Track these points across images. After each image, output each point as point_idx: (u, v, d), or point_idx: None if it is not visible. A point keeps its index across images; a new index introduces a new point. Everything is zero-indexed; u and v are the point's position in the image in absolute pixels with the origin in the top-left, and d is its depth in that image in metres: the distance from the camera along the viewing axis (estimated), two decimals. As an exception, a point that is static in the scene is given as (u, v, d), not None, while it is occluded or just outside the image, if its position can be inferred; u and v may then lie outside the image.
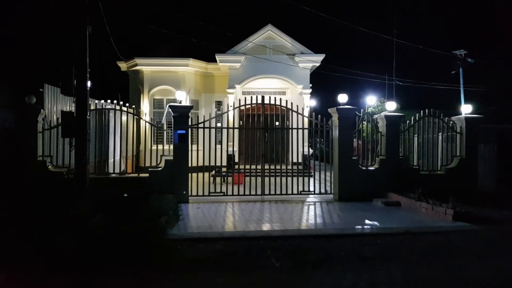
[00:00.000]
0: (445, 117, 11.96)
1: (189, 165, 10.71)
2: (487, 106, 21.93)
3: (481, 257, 6.26)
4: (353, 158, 11.23)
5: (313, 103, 20.70)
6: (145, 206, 8.43)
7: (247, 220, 8.62)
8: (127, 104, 11.59)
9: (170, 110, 10.79)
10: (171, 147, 10.88)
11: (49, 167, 10.25)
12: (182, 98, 11.18)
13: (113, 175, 10.94)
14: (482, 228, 7.92)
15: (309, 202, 10.98)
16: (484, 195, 10.77)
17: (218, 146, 11.70)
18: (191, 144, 10.99)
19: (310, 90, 18.15)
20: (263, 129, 11.94)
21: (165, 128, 15.35)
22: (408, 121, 11.98)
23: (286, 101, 11.89)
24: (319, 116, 11.79)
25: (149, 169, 10.76)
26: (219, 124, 15.22)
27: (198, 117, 17.60)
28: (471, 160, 11.52)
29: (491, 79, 24.75)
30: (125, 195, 9.42)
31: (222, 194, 11.09)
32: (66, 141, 10.30)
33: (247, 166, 11.87)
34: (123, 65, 19.42)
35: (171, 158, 10.60)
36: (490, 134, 13.05)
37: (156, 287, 5.06)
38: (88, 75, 8.68)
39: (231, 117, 16.00)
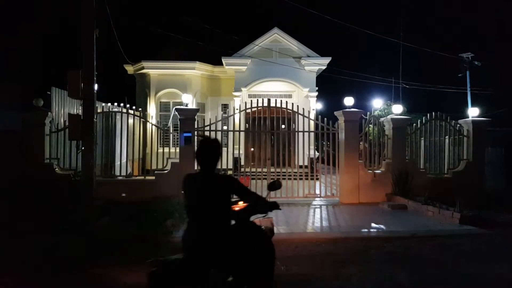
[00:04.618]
0: (452, 120, 11.89)
1: (195, 168, 10.73)
2: (495, 109, 21.79)
3: (487, 261, 6.20)
4: (359, 161, 11.20)
5: (319, 106, 20.74)
6: (152, 208, 8.45)
7: (253, 223, 8.59)
8: (134, 107, 11.63)
9: (176, 113, 10.83)
10: (177, 149, 10.92)
11: (56, 169, 10.33)
12: (189, 101, 11.22)
13: (120, 177, 10.98)
14: (489, 231, 7.86)
15: (315, 205, 10.96)
16: (492, 199, 10.67)
17: (224, 149, 11.68)
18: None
19: (316, 93, 18.14)
20: (269, 132, 11.93)
21: (171, 131, 15.40)
22: (414, 124, 11.92)
23: (292, 104, 11.88)
24: (325, 119, 11.75)
25: (156, 171, 10.81)
26: (225, 127, 15.24)
27: (204, 120, 17.52)
28: (478, 163, 11.44)
29: (499, 82, 24.61)
30: (123, 194, 9.46)
31: (228, 197, 11.06)
32: (73, 143, 10.40)
33: (253, 169, 11.87)
34: (130, 68, 19.54)
35: (177, 160, 10.63)
36: (497, 137, 12.96)
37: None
38: (95, 78, 8.76)
39: (237, 120, 15.99)
